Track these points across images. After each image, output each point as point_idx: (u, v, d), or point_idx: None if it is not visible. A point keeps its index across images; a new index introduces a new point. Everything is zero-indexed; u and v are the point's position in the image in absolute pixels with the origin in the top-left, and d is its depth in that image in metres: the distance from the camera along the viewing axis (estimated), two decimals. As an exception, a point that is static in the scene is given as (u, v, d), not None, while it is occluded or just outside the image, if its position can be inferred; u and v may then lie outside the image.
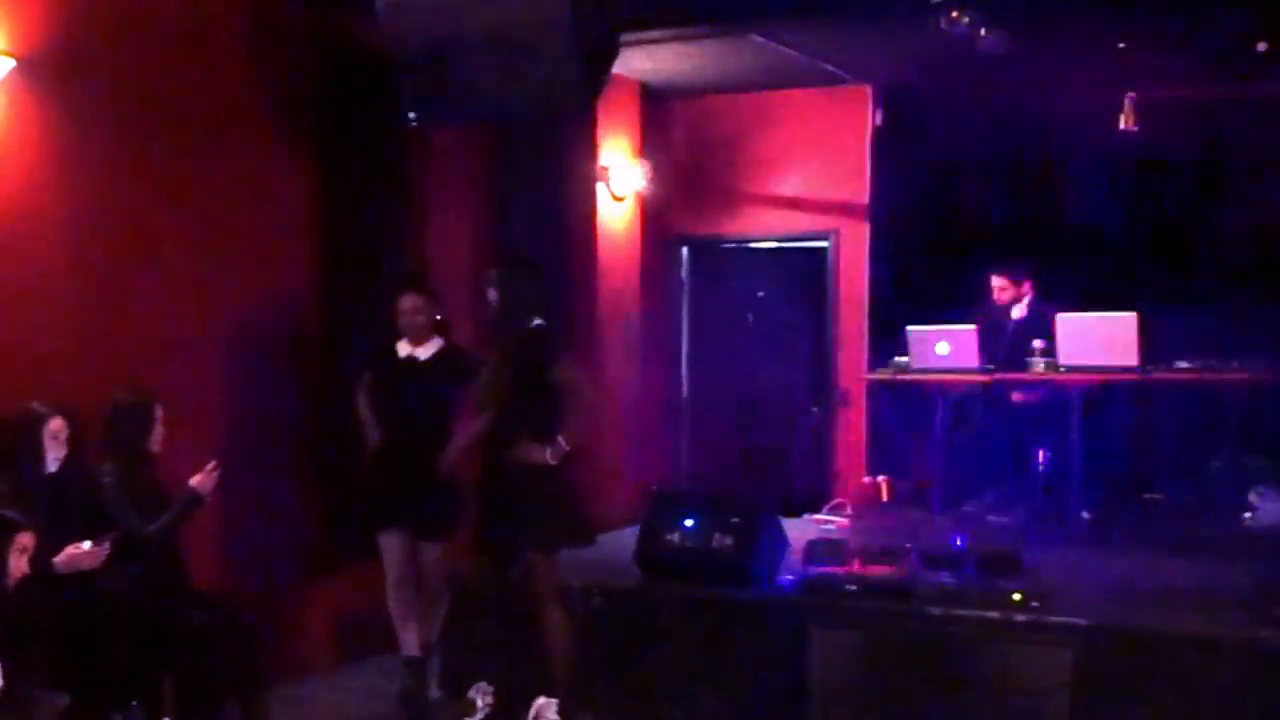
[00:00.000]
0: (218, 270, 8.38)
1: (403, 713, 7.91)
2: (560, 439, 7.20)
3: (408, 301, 7.93)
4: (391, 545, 7.98)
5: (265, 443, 8.77)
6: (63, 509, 6.64)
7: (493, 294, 7.35)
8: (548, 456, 7.16)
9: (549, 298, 7.55)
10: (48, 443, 6.67)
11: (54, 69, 7.44)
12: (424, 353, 7.99)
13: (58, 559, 6.32)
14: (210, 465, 6.99)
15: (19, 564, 5.62)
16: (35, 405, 6.74)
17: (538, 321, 7.22)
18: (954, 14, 8.75)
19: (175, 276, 8.06)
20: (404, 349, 8.00)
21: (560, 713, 7.24)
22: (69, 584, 6.43)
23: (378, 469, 8.05)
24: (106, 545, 6.34)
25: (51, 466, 6.70)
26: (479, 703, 7.57)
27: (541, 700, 7.25)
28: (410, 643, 7.96)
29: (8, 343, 7.06)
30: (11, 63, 7.08)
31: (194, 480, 6.88)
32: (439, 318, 8.13)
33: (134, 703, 6.59)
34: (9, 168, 7.24)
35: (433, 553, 8.03)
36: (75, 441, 6.79)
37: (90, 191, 7.66)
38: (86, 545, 6.33)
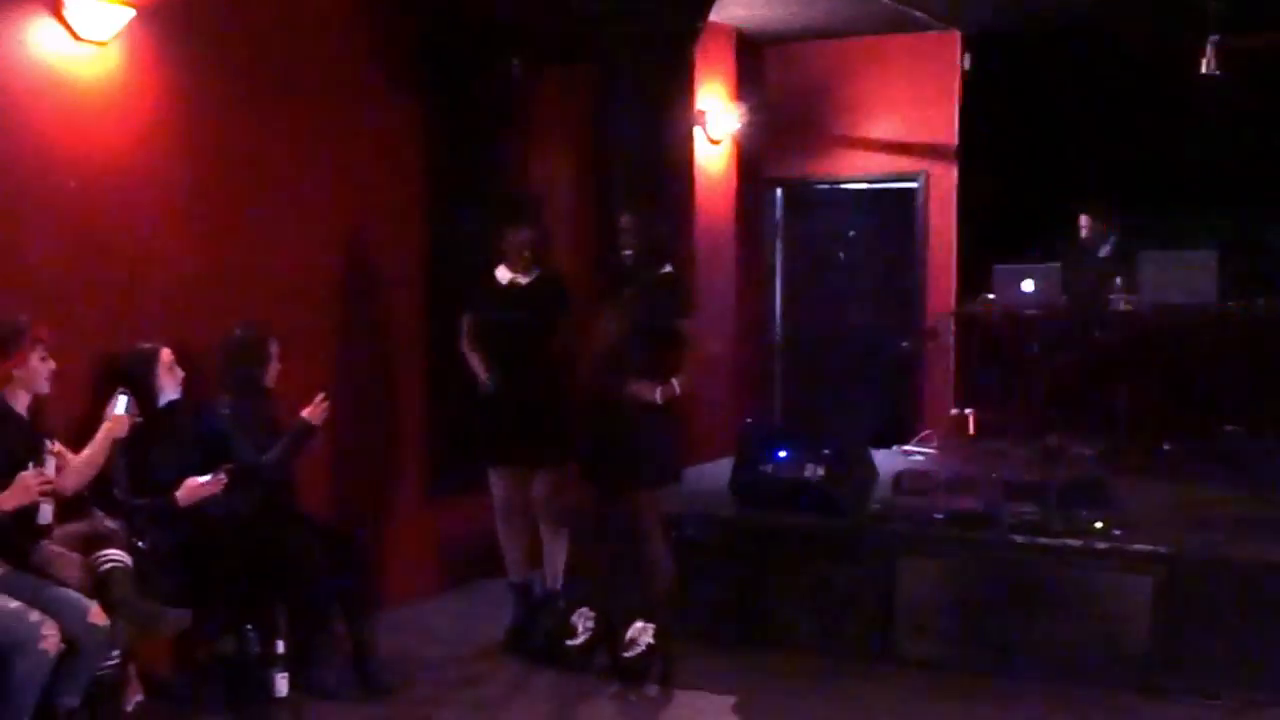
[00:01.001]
0: (329, 209, 8.41)
1: (508, 635, 7.86)
2: (674, 382, 7.19)
3: (517, 235, 7.69)
4: (501, 478, 7.86)
5: (376, 374, 8.81)
6: (179, 443, 6.73)
7: (627, 237, 7.28)
8: (658, 396, 7.13)
9: (677, 245, 7.33)
10: (162, 376, 6.74)
11: (171, 17, 7.38)
12: (525, 278, 7.72)
13: (179, 492, 6.47)
14: (320, 397, 7.03)
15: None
16: (150, 344, 6.79)
17: (668, 268, 7.20)
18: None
19: (288, 216, 8.08)
20: (504, 275, 7.75)
21: (656, 636, 7.21)
22: (189, 513, 6.55)
23: (487, 403, 7.79)
24: (223, 476, 6.46)
25: (168, 397, 6.77)
26: (580, 627, 7.49)
27: (639, 624, 7.23)
28: (516, 565, 7.90)
29: (128, 281, 7.09)
30: (131, 12, 7.04)
31: (305, 412, 6.94)
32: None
33: (249, 625, 6.67)
34: (128, 113, 7.26)
35: (545, 484, 7.81)
36: (190, 377, 6.85)
37: (206, 134, 7.63)
38: (205, 478, 6.46)
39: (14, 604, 5.51)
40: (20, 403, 5.98)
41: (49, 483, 5.81)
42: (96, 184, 7.03)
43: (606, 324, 7.38)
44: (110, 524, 6.23)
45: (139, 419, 6.28)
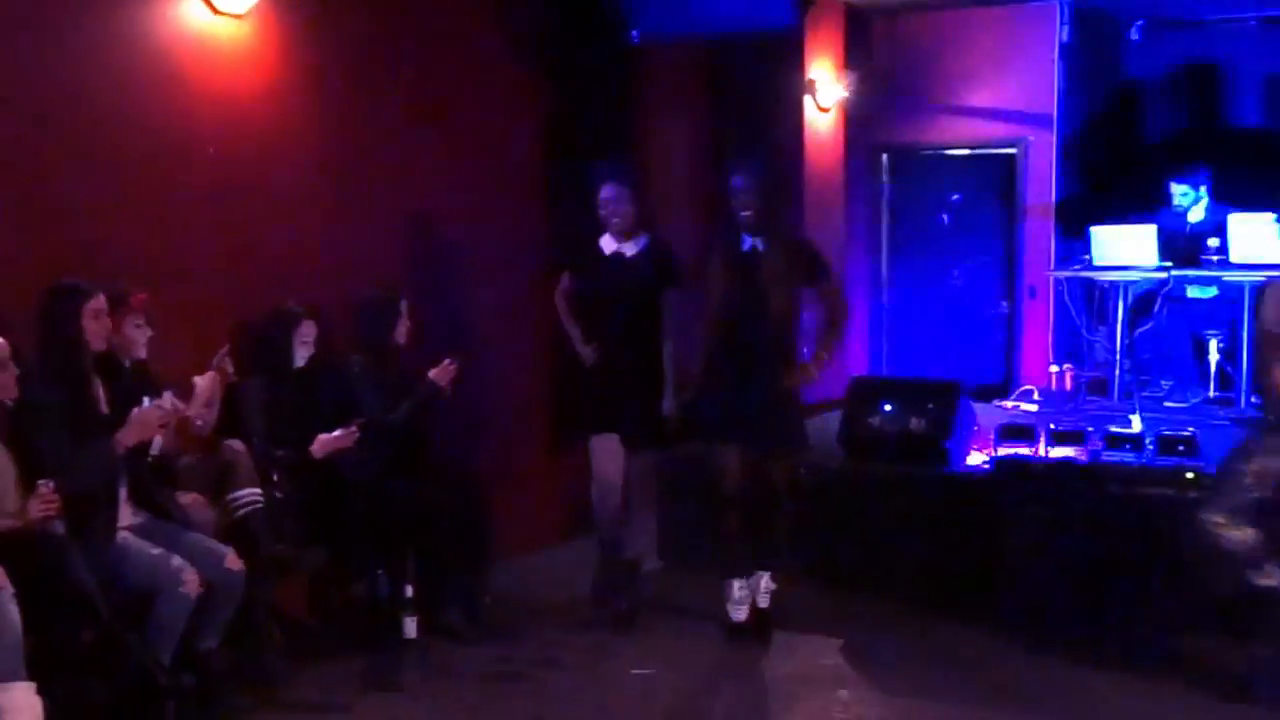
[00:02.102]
0: (456, 176, 8.46)
1: (594, 594, 7.65)
2: (823, 354, 7.07)
3: (608, 191, 7.21)
4: (597, 449, 7.54)
5: (500, 335, 8.84)
6: (311, 401, 6.82)
7: (744, 197, 6.81)
8: (813, 372, 7.00)
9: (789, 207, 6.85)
10: (297, 343, 6.82)
11: None
12: (631, 248, 7.28)
13: (313, 447, 6.60)
14: (447, 361, 7.11)
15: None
16: (291, 305, 6.87)
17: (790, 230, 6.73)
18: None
19: (416, 182, 8.14)
20: (609, 245, 7.31)
21: (774, 580, 7.17)
22: (322, 465, 6.67)
23: (588, 375, 7.52)
24: (355, 430, 6.60)
25: (299, 363, 6.86)
26: (736, 596, 7.15)
27: (765, 580, 7.17)
28: (605, 530, 7.63)
29: (265, 241, 7.18)
30: None
31: (433, 373, 7.05)
32: (642, 213, 7.41)
33: (379, 570, 6.79)
34: (261, 80, 7.31)
35: (641, 461, 7.54)
36: (322, 340, 6.92)
37: (332, 100, 7.67)
38: (338, 432, 6.58)
39: (156, 550, 5.62)
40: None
41: (168, 416, 5.80)
42: (234, 147, 7.10)
43: (731, 285, 6.90)
44: (236, 445, 6.30)
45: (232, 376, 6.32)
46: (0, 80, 6.08)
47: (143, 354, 6.11)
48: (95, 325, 5.68)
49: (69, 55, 6.36)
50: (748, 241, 6.95)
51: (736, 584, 7.09)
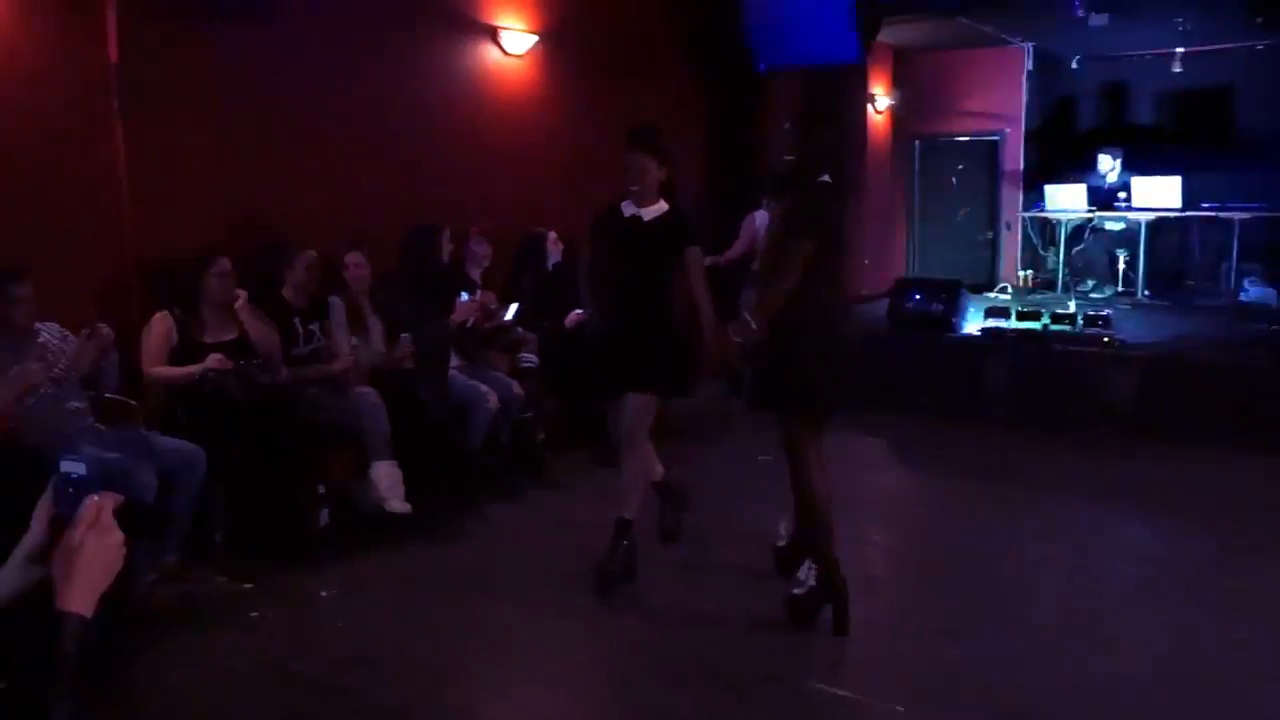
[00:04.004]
0: None
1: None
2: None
3: (632, 159, 4.54)
4: (613, 415, 4.71)
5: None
6: (558, 294, 6.45)
7: (789, 140, 4.20)
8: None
9: (843, 153, 4.72)
10: (550, 248, 6.58)
11: (559, 37, 7.32)
12: (649, 213, 4.54)
13: (567, 320, 6.30)
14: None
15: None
16: (535, 228, 6.61)
17: (825, 177, 4.03)
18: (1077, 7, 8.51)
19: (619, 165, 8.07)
20: (629, 209, 4.59)
21: (818, 579, 4.15)
22: (571, 335, 6.21)
23: (596, 343, 4.76)
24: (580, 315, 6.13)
25: (549, 266, 6.62)
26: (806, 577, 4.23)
27: (808, 563, 4.26)
28: (628, 500, 4.57)
29: (538, 195, 7.06)
30: (535, 38, 7.09)
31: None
32: (665, 179, 4.59)
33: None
34: (531, 101, 7.22)
35: (632, 405, 4.51)
36: (568, 249, 6.61)
37: (574, 113, 7.50)
38: (579, 311, 6.17)
39: (471, 381, 5.52)
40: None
41: (476, 306, 5.69)
42: (514, 140, 6.97)
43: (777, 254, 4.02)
44: (524, 333, 6.22)
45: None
46: (386, 94, 6.22)
47: (485, 263, 6.11)
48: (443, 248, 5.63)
49: (413, 79, 6.43)
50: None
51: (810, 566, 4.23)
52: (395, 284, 5.64)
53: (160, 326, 4.63)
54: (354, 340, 5.34)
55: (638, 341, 4.46)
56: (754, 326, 3.87)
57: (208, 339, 4.72)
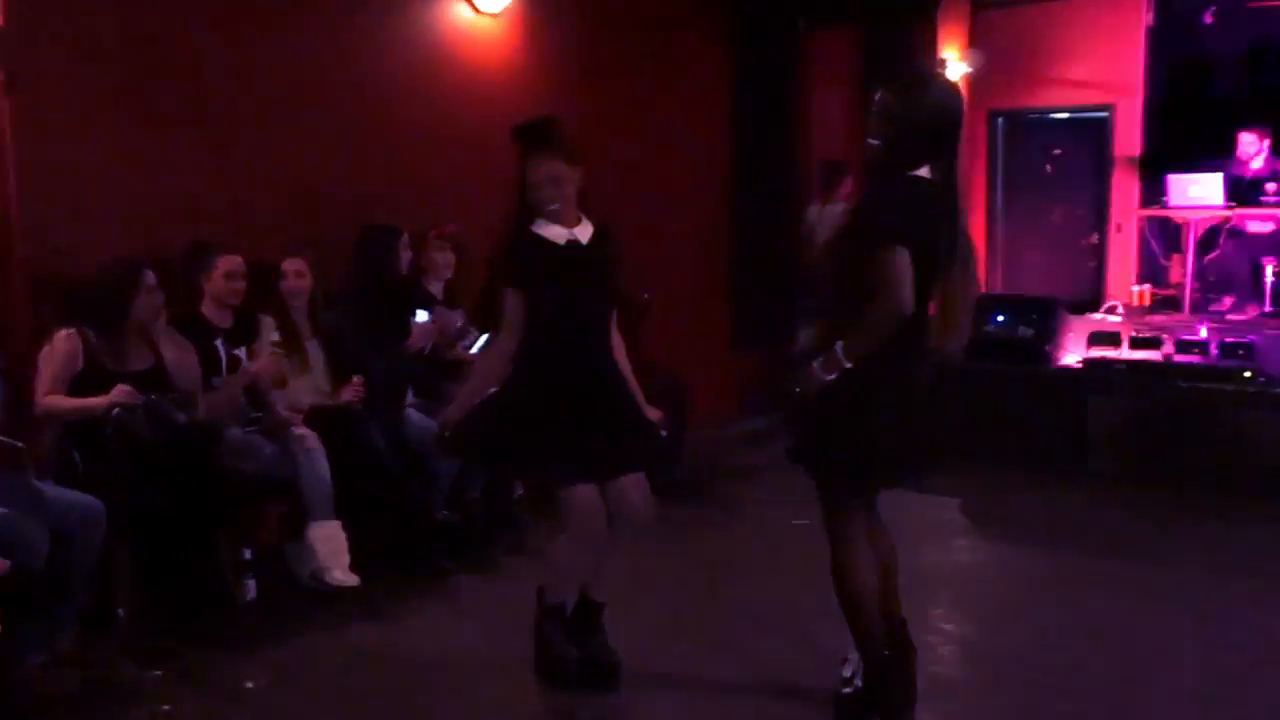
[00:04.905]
0: (666, 138, 8.63)
1: None
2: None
3: (540, 167, 4.34)
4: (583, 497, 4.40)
5: (696, 258, 9.18)
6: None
7: (876, 120, 3.98)
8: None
9: (948, 129, 3.96)
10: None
11: None
12: (583, 235, 4.42)
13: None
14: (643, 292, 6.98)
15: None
16: None
17: (923, 170, 3.91)
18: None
19: (632, 144, 8.23)
20: (555, 233, 4.36)
21: (865, 678, 4.23)
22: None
23: (537, 404, 4.39)
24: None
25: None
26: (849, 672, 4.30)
27: (853, 657, 4.35)
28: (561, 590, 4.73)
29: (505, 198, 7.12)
30: None
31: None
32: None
33: None
34: (512, 68, 7.51)
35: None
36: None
37: (568, 79, 7.74)
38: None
39: (431, 421, 5.50)
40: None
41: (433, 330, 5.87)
42: (488, 111, 7.14)
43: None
44: None
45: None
46: (327, 63, 6.48)
47: (448, 274, 6.42)
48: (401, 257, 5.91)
49: (364, 43, 6.72)
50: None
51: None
52: (343, 301, 5.88)
53: (65, 346, 4.86)
54: (288, 370, 5.57)
55: (608, 405, 4.42)
56: (847, 364, 3.83)
57: (116, 366, 4.91)
